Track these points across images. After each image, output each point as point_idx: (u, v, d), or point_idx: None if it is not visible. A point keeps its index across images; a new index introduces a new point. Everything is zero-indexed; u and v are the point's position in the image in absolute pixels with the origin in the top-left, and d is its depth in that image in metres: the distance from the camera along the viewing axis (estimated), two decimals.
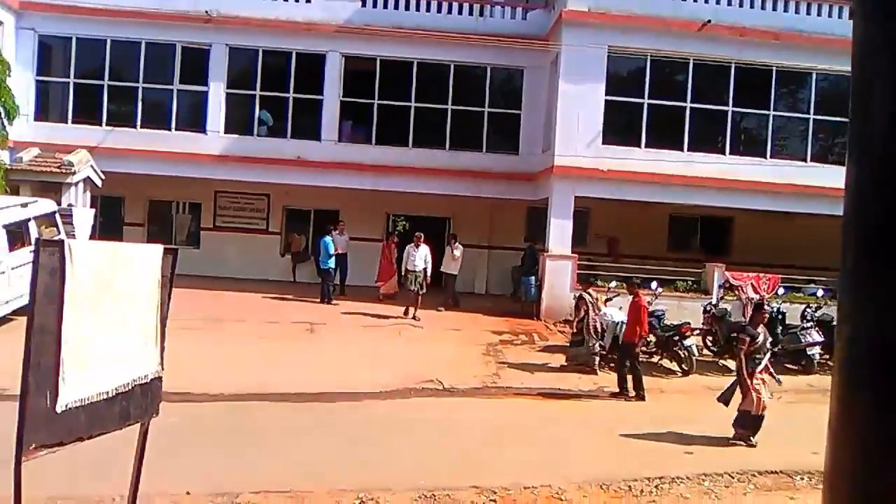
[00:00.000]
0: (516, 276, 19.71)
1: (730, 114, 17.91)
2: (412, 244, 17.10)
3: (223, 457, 8.66)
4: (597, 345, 13.45)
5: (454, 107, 19.68)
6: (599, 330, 13.51)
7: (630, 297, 12.82)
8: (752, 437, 9.85)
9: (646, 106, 17.65)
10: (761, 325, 10.30)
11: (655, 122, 17.74)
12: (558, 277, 17.42)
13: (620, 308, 14.53)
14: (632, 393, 12.06)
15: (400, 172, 19.02)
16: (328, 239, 18.11)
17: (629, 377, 12.11)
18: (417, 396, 11.66)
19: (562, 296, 17.33)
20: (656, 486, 8.31)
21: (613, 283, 16.02)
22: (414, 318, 16.50)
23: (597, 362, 13.48)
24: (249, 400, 10.98)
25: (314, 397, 11.26)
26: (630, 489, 8.22)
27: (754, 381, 9.87)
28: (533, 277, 17.99)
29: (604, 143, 17.26)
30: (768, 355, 10.23)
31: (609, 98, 17.33)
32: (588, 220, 20.11)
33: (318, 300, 17.83)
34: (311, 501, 7.58)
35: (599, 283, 17.03)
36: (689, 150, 17.66)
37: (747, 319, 11.32)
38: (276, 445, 9.17)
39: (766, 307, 11.29)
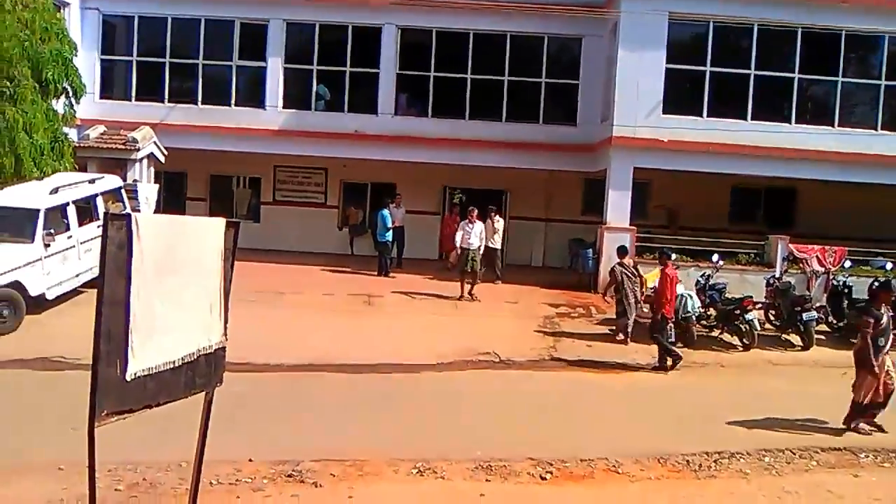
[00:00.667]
0: (573, 248, 19.56)
1: (796, 81, 17.31)
2: (466, 220, 16.39)
3: (284, 425, 8.89)
4: (632, 317, 13.54)
5: (511, 78, 19.49)
6: (633, 301, 13.54)
7: (659, 268, 12.77)
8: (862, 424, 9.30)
9: (708, 74, 17.18)
10: (884, 306, 9.38)
11: (718, 90, 17.27)
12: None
13: (680, 281, 14.32)
14: (669, 363, 11.99)
15: (456, 145, 18.97)
16: (385, 212, 18.24)
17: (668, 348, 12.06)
18: (474, 369, 11.74)
19: None
20: (715, 461, 8.23)
21: (673, 257, 15.75)
22: (470, 295, 15.97)
23: (629, 332, 13.49)
24: (309, 371, 11.21)
25: (372, 369, 11.43)
26: (688, 463, 8.16)
27: (879, 365, 9.07)
28: (590, 250, 17.83)
29: (664, 112, 16.90)
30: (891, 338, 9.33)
31: (670, 66, 16.91)
32: (648, 191, 19.76)
33: (376, 273, 18.01)
34: (369, 469, 7.73)
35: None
36: (752, 119, 17.15)
37: (869, 298, 10.37)
38: (335, 415, 9.35)
39: (894, 287, 10.08)
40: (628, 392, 10.99)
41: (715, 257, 15.39)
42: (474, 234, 16.03)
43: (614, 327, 13.92)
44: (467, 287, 16.15)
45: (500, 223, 17.57)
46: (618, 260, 14.04)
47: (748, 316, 13.27)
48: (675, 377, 11.78)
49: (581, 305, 15.94)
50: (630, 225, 17.27)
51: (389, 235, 18.20)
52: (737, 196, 20.66)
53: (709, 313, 13.97)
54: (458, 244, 16.18)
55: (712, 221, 19.53)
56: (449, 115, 19.47)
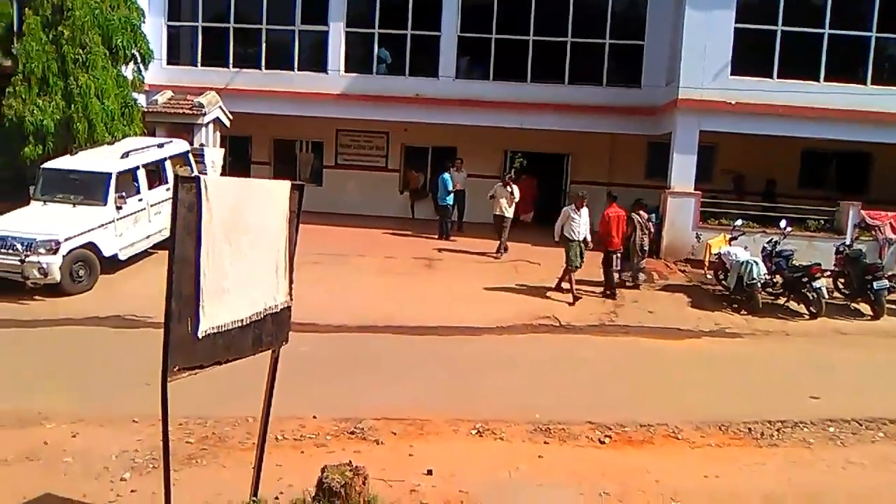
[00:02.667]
0: None
1: (872, 40, 16.52)
2: (571, 206, 13.74)
3: (347, 384, 9.09)
4: (643, 262, 14.51)
5: (574, 39, 19.13)
6: (640, 249, 14.27)
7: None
8: None
9: (779, 33, 16.53)
10: None
11: (789, 50, 16.61)
12: (680, 215, 16.92)
13: (746, 248, 14.05)
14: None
15: (518, 108, 18.79)
16: (447, 176, 18.26)
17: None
18: (534, 332, 11.76)
19: (684, 234, 16.85)
20: (778, 430, 8.13)
21: (739, 222, 15.43)
22: (574, 297, 13.33)
23: (639, 278, 14.47)
24: (371, 332, 11.40)
25: (433, 331, 11.55)
26: (750, 431, 8.08)
27: None
28: (654, 215, 17.56)
29: (732, 73, 16.37)
30: None
31: (739, 26, 16.33)
32: (714, 155, 19.29)
33: (436, 236, 18.10)
34: (429, 429, 7.87)
35: (724, 220, 16.47)
36: (825, 80, 16.48)
37: None
38: (396, 375, 9.52)
39: None
40: (689, 358, 10.87)
41: (782, 223, 14.98)
42: (583, 223, 13.58)
43: (685, 295, 13.93)
44: (565, 285, 13.67)
45: (516, 191, 16.84)
46: (636, 211, 14.54)
47: (816, 284, 12.93)
48: (738, 345, 11.59)
49: (643, 271, 15.73)
50: (695, 189, 16.92)
51: (450, 199, 18.24)
52: (807, 160, 20.00)
53: (775, 280, 13.66)
54: (559, 233, 13.63)
55: (781, 186, 19.01)
56: (510, 78, 19.26)
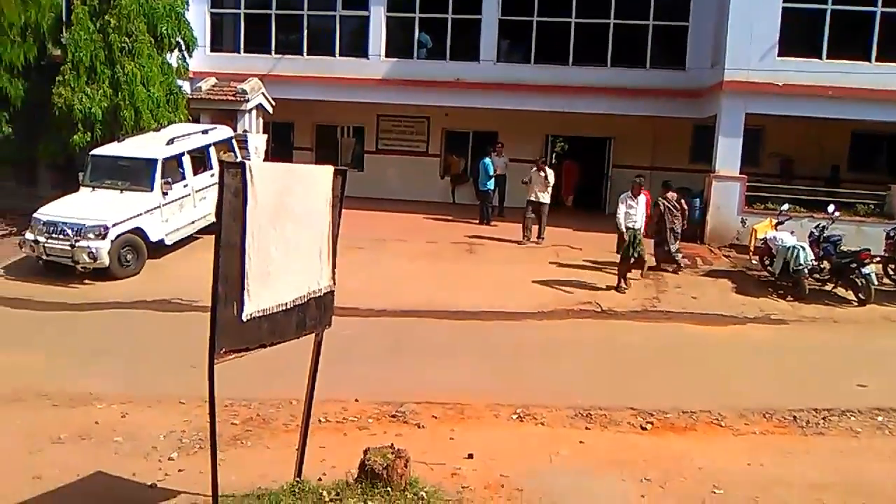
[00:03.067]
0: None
1: None
2: (627, 193, 13.13)
3: (388, 368, 9.17)
4: (676, 244, 14.34)
5: (617, 21, 18.86)
6: (672, 232, 14.20)
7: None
8: None
9: (829, 12, 16.09)
10: None
11: (839, 29, 16.17)
12: (725, 200, 16.65)
13: (792, 233, 13.79)
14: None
15: (559, 92, 18.61)
16: (487, 160, 18.21)
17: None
18: (575, 318, 11.71)
19: (728, 219, 16.59)
20: (824, 418, 8.00)
21: (785, 206, 15.15)
22: (619, 286, 12.97)
23: (681, 261, 14.42)
24: (412, 316, 11.46)
25: (474, 316, 11.58)
26: (795, 419, 7.97)
27: None
28: (697, 199, 17.32)
29: (780, 55, 16.00)
30: None
31: (787, 5, 15.94)
32: (760, 138, 18.92)
33: (477, 221, 18.08)
34: (469, 413, 7.92)
35: (770, 205, 16.17)
36: (877, 60, 16.03)
37: None
38: (437, 360, 9.57)
39: None
40: (733, 345, 10.73)
41: (830, 208, 14.64)
42: (639, 213, 13.06)
43: (728, 280, 13.73)
44: (627, 276, 13.19)
45: (551, 175, 16.21)
46: (663, 195, 14.60)
47: (865, 270, 12.63)
48: (783, 331, 11.40)
49: (686, 256, 15.48)
50: (740, 173, 16.63)
51: (491, 184, 18.19)
52: (857, 143, 19.49)
53: (822, 266, 13.38)
54: (620, 224, 12.93)
55: (829, 170, 18.58)
56: (552, 61, 19.08)
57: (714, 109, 17.07)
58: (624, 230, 12.86)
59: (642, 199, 13.17)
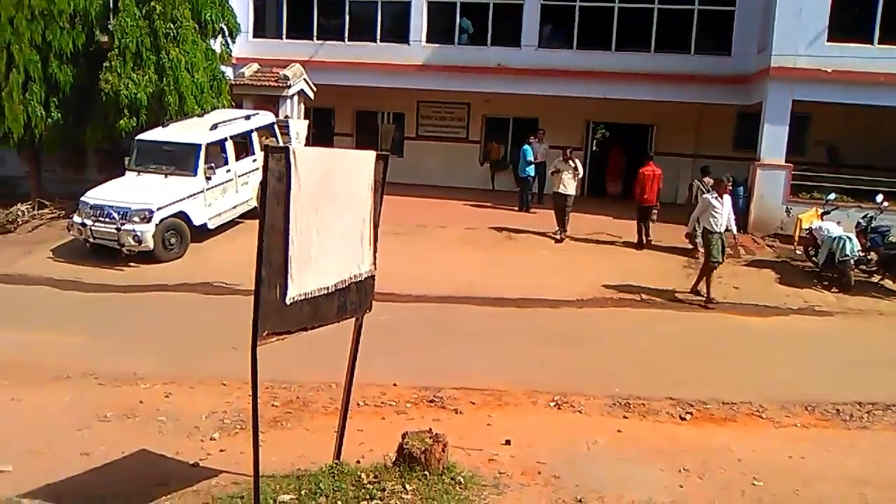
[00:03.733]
0: None
1: None
2: (712, 193, 12.18)
3: (427, 354, 9.22)
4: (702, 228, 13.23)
5: (661, 6, 18.56)
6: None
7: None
8: None
9: None
10: None
11: (891, 14, 15.71)
12: (770, 188, 16.36)
13: (839, 223, 13.50)
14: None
15: (601, 78, 18.42)
16: (527, 147, 18.11)
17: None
18: (614, 306, 11.64)
19: (773, 208, 16.30)
20: (868, 413, 7.86)
21: (832, 196, 14.85)
22: (709, 301, 11.80)
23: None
24: (451, 302, 11.49)
25: (512, 302, 11.57)
26: (838, 413, 7.84)
27: None
28: (741, 188, 17.05)
29: (829, 40, 15.60)
30: None
31: None
32: (807, 125, 18.49)
33: (517, 208, 18.02)
34: (508, 399, 7.93)
35: (816, 194, 15.85)
36: None
37: None
38: (476, 346, 9.59)
39: None
40: (776, 336, 10.57)
41: (879, 198, 14.30)
42: (724, 214, 11.94)
43: (771, 270, 13.56)
44: (704, 286, 12.08)
45: (580, 166, 15.56)
46: (700, 178, 14.82)
47: None
48: (828, 323, 11.20)
49: (729, 246, 15.28)
50: (786, 162, 16.32)
51: (531, 171, 18.09)
52: None
53: (869, 257, 13.10)
54: (694, 225, 12.52)
55: (878, 158, 18.09)
56: (594, 47, 18.86)
57: (760, 96, 16.76)
58: (708, 233, 11.84)
59: (728, 199, 12.11)
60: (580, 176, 15.53)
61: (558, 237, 15.16)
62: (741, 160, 17.73)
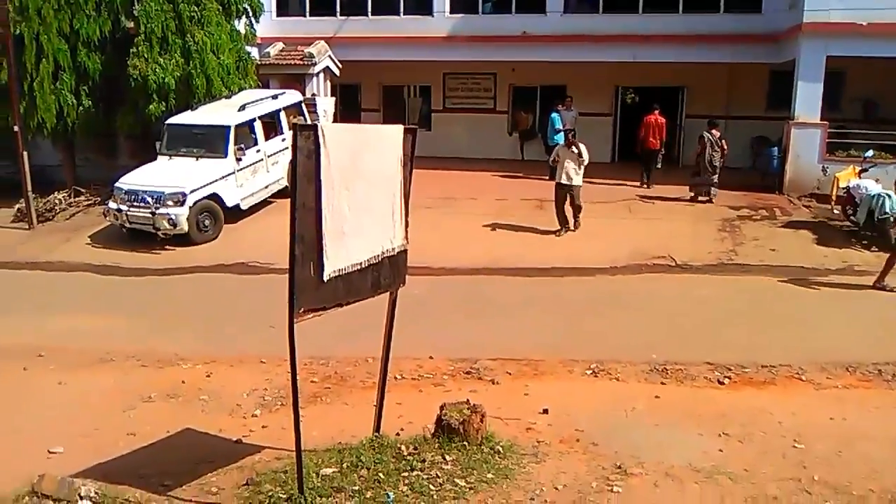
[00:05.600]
0: (756, 147, 18.42)
1: None
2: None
3: (462, 326, 9.26)
4: (714, 177, 15.46)
5: None
6: (711, 166, 15.39)
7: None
8: None
9: None
10: None
11: None
12: (805, 147, 16.04)
13: (877, 180, 13.23)
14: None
15: (629, 41, 18.11)
16: (556, 115, 17.93)
17: None
18: (649, 272, 11.57)
19: (809, 168, 15.99)
20: None
21: (870, 153, 14.53)
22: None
23: (711, 192, 15.58)
24: (484, 274, 11.50)
25: (546, 272, 11.55)
26: (880, 373, 7.73)
27: None
28: (775, 148, 16.74)
29: None
30: None
31: None
32: (842, 82, 18.04)
33: (547, 178, 17.86)
34: (543, 369, 7.94)
35: (853, 152, 15.52)
36: None
37: None
38: (511, 317, 9.60)
39: None
40: (814, 298, 10.42)
41: None
42: None
43: (809, 231, 13.41)
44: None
45: (584, 152, 13.26)
46: (708, 130, 15.57)
47: None
48: (868, 282, 10.99)
49: (764, 207, 15.11)
50: (821, 120, 15.97)
51: (560, 139, 17.87)
52: None
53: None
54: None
55: None
56: (621, 10, 18.55)
57: (792, 53, 16.38)
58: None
59: None
60: (585, 163, 13.26)
61: (558, 233, 13.42)
62: (775, 119, 17.41)
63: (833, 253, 12.29)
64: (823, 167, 15.81)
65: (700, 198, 15.65)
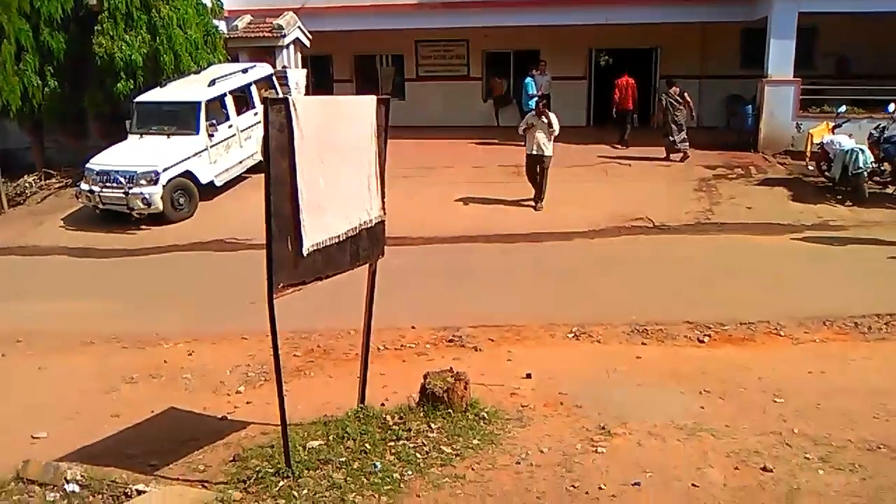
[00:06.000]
0: (731, 105, 18.46)
1: None
2: None
3: (442, 294, 9.27)
4: (682, 134, 15.72)
5: None
6: (676, 125, 15.63)
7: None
8: None
9: None
10: None
11: None
12: (779, 104, 16.10)
13: (851, 136, 13.32)
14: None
15: (601, 4, 17.90)
16: (529, 80, 17.85)
17: None
18: (627, 235, 11.62)
19: (783, 125, 16.06)
20: (886, 324, 7.87)
21: (843, 108, 14.59)
22: None
23: (682, 148, 15.77)
24: (464, 242, 11.50)
25: (525, 238, 11.57)
26: (857, 326, 7.85)
27: None
28: (750, 106, 16.78)
29: None
30: None
31: None
32: (814, 38, 18.08)
33: (522, 143, 17.82)
34: (526, 334, 7.99)
35: (827, 107, 15.60)
36: None
37: None
38: (491, 283, 9.63)
39: None
40: (791, 253, 10.53)
41: (891, 107, 13.97)
42: None
43: (785, 189, 13.45)
44: None
45: (555, 121, 12.77)
46: (666, 90, 15.98)
47: None
48: (842, 237, 11.11)
49: (740, 166, 15.19)
50: (794, 76, 16.01)
51: (534, 104, 17.83)
52: None
53: (883, 168, 12.93)
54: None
55: (889, 67, 17.72)
56: None
57: (765, 11, 16.35)
58: None
59: None
60: (556, 133, 12.81)
61: (536, 206, 13.02)
62: (749, 78, 17.43)
63: (808, 209, 12.40)
64: (797, 124, 15.88)
65: (672, 156, 15.82)
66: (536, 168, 12.97)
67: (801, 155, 14.85)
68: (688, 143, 15.80)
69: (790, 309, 8.23)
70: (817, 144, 13.74)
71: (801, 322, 7.93)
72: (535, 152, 12.89)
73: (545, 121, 12.72)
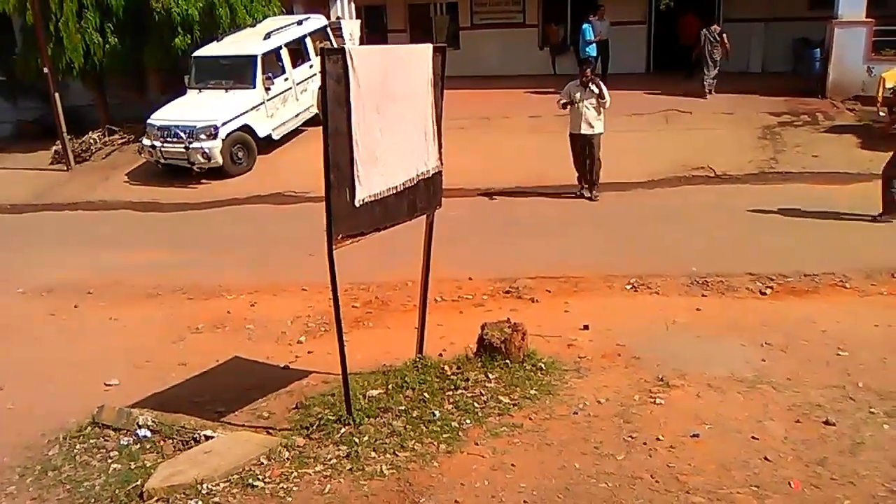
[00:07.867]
0: (798, 49, 17.76)
1: None
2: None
3: (500, 246, 9.28)
4: (714, 71, 15.75)
5: None
6: (711, 61, 15.64)
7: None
8: None
9: None
10: None
11: None
12: (849, 47, 15.39)
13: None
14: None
15: None
16: (587, 26, 17.39)
17: None
18: (688, 184, 11.40)
19: (853, 69, 15.36)
20: None
21: None
22: None
23: (710, 89, 15.78)
24: (521, 194, 11.42)
25: None
26: None
27: None
28: (818, 50, 16.12)
29: None
30: None
31: None
32: None
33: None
34: (583, 286, 7.96)
35: None
36: None
37: None
38: (548, 235, 9.58)
39: None
40: (858, 204, 10.14)
41: None
42: None
43: (854, 136, 12.96)
44: None
45: (605, 91, 10.62)
46: (707, 27, 15.75)
47: None
48: None
49: (806, 113, 14.63)
50: (866, 17, 15.27)
51: (592, 50, 17.39)
52: None
53: None
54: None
55: None
56: None
57: None
58: None
59: None
60: (607, 105, 10.69)
61: (588, 195, 11.01)
62: (818, 20, 16.68)
63: (878, 157, 11.83)
64: (869, 67, 15.17)
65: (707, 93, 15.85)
66: (585, 150, 10.81)
67: (871, 100, 14.20)
68: (714, 83, 15.82)
69: (856, 261, 8.00)
70: (889, 89, 13.14)
71: (868, 274, 7.71)
72: (581, 131, 10.73)
73: (594, 89, 10.68)
